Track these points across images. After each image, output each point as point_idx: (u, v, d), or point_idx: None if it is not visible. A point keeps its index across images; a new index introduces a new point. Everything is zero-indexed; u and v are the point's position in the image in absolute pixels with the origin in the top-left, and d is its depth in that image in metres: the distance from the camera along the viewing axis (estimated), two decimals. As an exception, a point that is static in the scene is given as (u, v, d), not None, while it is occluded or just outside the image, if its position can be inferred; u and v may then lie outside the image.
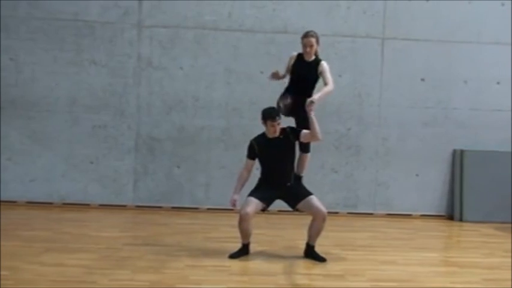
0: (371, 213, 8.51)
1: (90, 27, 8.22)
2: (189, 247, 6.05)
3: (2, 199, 8.04)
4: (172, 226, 7.22)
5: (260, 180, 5.79)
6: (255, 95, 8.13)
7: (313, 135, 5.57)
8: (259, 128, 5.79)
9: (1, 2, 8.08)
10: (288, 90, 5.89)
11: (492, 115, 8.61)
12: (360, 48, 8.46)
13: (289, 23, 8.34)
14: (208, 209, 8.32)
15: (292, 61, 5.91)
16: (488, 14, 8.52)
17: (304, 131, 5.61)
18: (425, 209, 8.57)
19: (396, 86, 8.53)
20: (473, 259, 6.08)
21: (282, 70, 6.04)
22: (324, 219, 5.63)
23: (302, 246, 5.85)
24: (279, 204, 5.81)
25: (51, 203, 8.20)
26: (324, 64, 5.84)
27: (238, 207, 5.72)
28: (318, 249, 5.74)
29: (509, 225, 8.05)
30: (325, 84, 5.78)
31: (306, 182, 5.96)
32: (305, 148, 5.94)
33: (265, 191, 5.66)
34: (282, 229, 7.22)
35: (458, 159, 8.51)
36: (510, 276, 5.34)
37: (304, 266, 5.50)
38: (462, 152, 8.48)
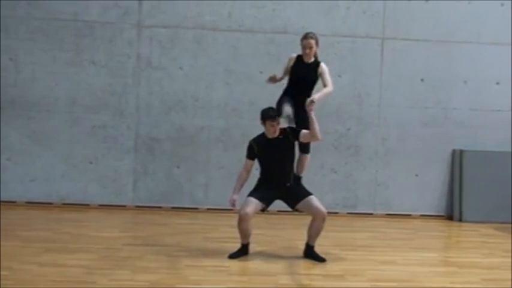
0: (370, 214, 8.51)
1: (90, 27, 8.22)
2: (189, 247, 6.05)
3: (1, 199, 8.04)
4: (171, 226, 7.22)
5: (259, 180, 5.78)
6: (254, 95, 8.13)
7: (313, 135, 5.57)
8: (258, 129, 5.79)
9: (1, 2, 8.08)
10: (286, 92, 5.89)
11: (492, 115, 8.61)
12: (359, 48, 8.46)
13: (289, 23, 8.34)
14: (208, 209, 8.32)
15: (292, 62, 5.90)
16: (488, 14, 8.52)
17: (304, 131, 5.60)
18: (424, 209, 8.58)
19: (396, 86, 8.53)
20: (473, 259, 6.09)
21: (280, 71, 6.02)
22: (323, 219, 5.63)
23: (301, 246, 5.85)
24: (278, 204, 5.81)
25: (50, 203, 8.20)
26: (324, 66, 5.84)
27: (237, 207, 5.72)
28: (317, 249, 5.74)
29: (509, 225, 8.05)
30: (325, 86, 5.79)
31: (306, 182, 5.96)
32: (305, 149, 5.94)
33: (264, 191, 5.66)
34: (281, 229, 7.22)
35: (457, 159, 8.52)
36: (509, 276, 5.34)
37: (303, 266, 5.50)
38: (462, 152, 8.48)
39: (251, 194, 5.66)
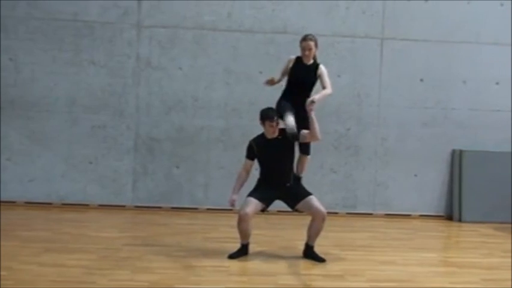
0: (370, 214, 8.52)
1: (90, 28, 8.23)
2: (189, 247, 6.05)
3: (1, 199, 8.05)
4: (171, 226, 7.22)
5: (259, 180, 5.79)
6: (254, 96, 8.13)
7: (313, 135, 5.58)
8: (258, 129, 5.79)
9: (0, 2, 8.08)
10: (285, 94, 5.89)
11: (491, 115, 8.62)
12: (359, 48, 8.47)
13: (289, 23, 8.35)
14: (208, 209, 8.32)
15: (291, 64, 5.90)
16: (487, 14, 8.53)
17: (304, 131, 5.60)
18: (424, 209, 8.58)
19: (395, 86, 8.53)
20: (472, 259, 6.09)
21: (278, 73, 5.99)
22: (323, 220, 5.63)
23: (301, 246, 5.85)
24: (278, 204, 5.82)
25: (50, 203, 8.20)
26: (323, 68, 5.85)
27: (236, 208, 5.72)
28: (317, 249, 5.75)
29: (509, 225, 8.06)
30: (324, 87, 5.80)
31: (305, 182, 5.96)
32: (305, 149, 5.93)
33: (264, 192, 5.66)
34: (281, 229, 7.22)
35: (457, 159, 8.52)
36: (509, 276, 5.35)
37: (303, 266, 5.50)
38: (461, 152, 8.48)
39: (251, 194, 5.66)
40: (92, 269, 5.06)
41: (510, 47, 8.55)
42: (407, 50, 8.51)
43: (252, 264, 5.51)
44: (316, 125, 5.51)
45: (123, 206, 8.28)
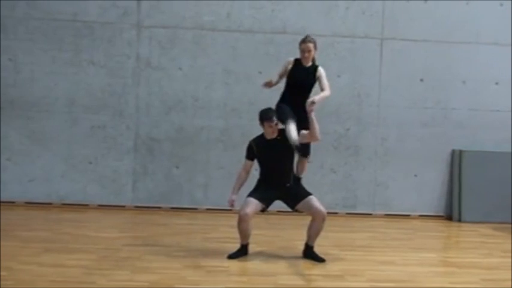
0: (370, 214, 8.52)
1: (89, 28, 8.23)
2: (188, 247, 6.05)
3: (1, 199, 8.04)
4: (171, 226, 7.22)
5: (259, 181, 5.79)
6: (253, 96, 8.13)
7: (312, 136, 5.58)
8: (258, 129, 5.79)
9: (0, 2, 8.08)
10: (284, 96, 5.89)
11: (491, 115, 8.62)
12: (358, 48, 8.47)
13: (288, 23, 8.35)
14: (207, 209, 8.32)
15: (290, 66, 5.89)
16: (487, 14, 8.53)
17: (303, 131, 5.60)
18: (424, 209, 8.58)
19: (395, 86, 8.54)
20: (472, 259, 6.09)
21: (276, 75, 5.97)
22: (323, 220, 5.63)
23: (301, 246, 5.85)
24: (278, 204, 5.82)
25: (50, 204, 8.20)
26: (321, 70, 5.86)
27: (236, 208, 5.72)
28: (317, 249, 5.75)
29: (508, 225, 8.06)
30: (322, 89, 5.81)
31: (305, 183, 5.96)
32: (305, 150, 5.91)
33: (264, 192, 5.66)
34: (281, 229, 7.22)
35: (457, 159, 8.52)
36: (509, 276, 5.35)
37: (303, 267, 5.50)
38: (461, 152, 8.49)
39: (251, 195, 5.66)
40: (92, 269, 5.06)
41: (510, 47, 8.55)
42: (406, 50, 8.52)
43: (251, 265, 5.51)
44: (316, 125, 5.51)
45: (123, 206, 8.28)
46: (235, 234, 5.72)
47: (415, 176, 8.58)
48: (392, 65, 8.51)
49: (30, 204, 8.14)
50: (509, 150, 8.48)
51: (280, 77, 5.93)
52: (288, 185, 5.72)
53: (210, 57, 8.35)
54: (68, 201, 8.24)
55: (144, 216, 7.84)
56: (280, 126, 5.65)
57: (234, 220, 5.73)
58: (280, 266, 5.46)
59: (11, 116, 8.18)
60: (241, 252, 5.70)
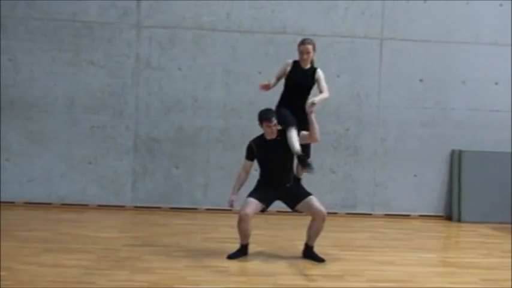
0: (369, 214, 8.52)
1: (89, 28, 8.23)
2: (188, 247, 6.05)
3: (0, 200, 8.04)
4: (171, 227, 7.22)
5: (259, 181, 5.79)
6: (253, 96, 8.13)
7: (312, 137, 5.58)
8: (257, 129, 5.79)
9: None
10: (283, 98, 5.89)
11: (490, 115, 8.62)
12: (358, 48, 8.47)
13: (288, 23, 8.35)
14: (207, 209, 8.33)
15: (289, 68, 5.89)
16: (486, 14, 8.54)
17: (303, 132, 5.61)
18: (423, 210, 8.59)
19: (394, 87, 8.54)
20: (472, 259, 6.09)
21: (273, 77, 5.96)
22: (323, 220, 5.63)
23: (301, 246, 5.85)
24: (278, 204, 5.81)
25: (49, 204, 8.20)
26: (320, 72, 5.86)
27: (235, 208, 5.72)
28: (316, 249, 5.75)
29: (508, 225, 8.07)
30: (321, 91, 5.81)
31: (305, 183, 5.95)
32: (304, 151, 5.91)
33: (264, 192, 5.66)
34: (280, 229, 7.22)
35: (456, 159, 8.52)
36: (509, 277, 5.35)
37: (303, 267, 5.50)
38: (460, 152, 8.49)
39: (251, 195, 5.66)
40: (91, 269, 5.06)
41: (509, 47, 8.56)
42: (406, 50, 8.52)
43: (251, 265, 5.51)
44: (316, 126, 5.51)
45: (123, 207, 8.28)
46: (235, 234, 5.72)
47: (415, 176, 8.58)
48: (392, 65, 8.52)
49: (29, 205, 8.14)
50: (509, 150, 8.48)
51: (278, 79, 5.92)
52: (288, 185, 5.72)
53: (210, 58, 8.35)
54: (68, 202, 8.24)
55: (144, 217, 7.84)
56: (280, 127, 5.65)
57: (233, 220, 5.73)
58: (280, 266, 5.46)
59: (10, 116, 8.17)
60: (241, 252, 5.70)
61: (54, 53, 8.20)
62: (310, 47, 5.82)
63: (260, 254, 5.85)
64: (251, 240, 5.77)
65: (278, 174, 5.69)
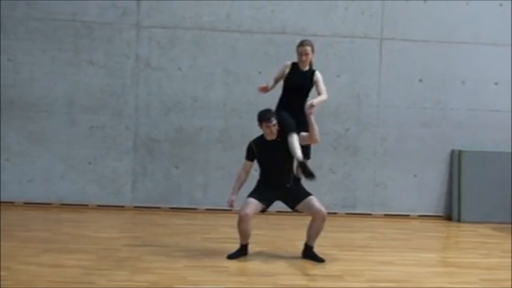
0: (369, 214, 8.52)
1: (89, 28, 8.23)
2: (188, 248, 6.05)
3: (0, 200, 8.04)
4: (170, 227, 7.22)
5: (259, 181, 5.79)
6: (253, 96, 8.10)
7: (312, 138, 5.59)
8: (257, 129, 5.78)
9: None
10: (282, 100, 5.89)
11: (490, 115, 8.63)
12: (358, 48, 8.47)
13: (288, 23, 8.35)
14: (207, 209, 8.32)
15: (288, 70, 5.90)
16: (486, 14, 8.54)
17: (303, 133, 5.61)
18: (423, 210, 8.59)
19: (394, 87, 8.54)
20: (471, 259, 6.09)
21: (271, 79, 5.95)
22: (323, 220, 5.63)
23: (300, 246, 5.85)
24: (278, 205, 5.82)
25: (49, 204, 8.20)
26: (318, 74, 5.87)
27: (235, 208, 5.72)
28: (316, 249, 5.75)
29: (508, 225, 8.07)
30: (319, 93, 5.81)
31: (305, 183, 5.94)
32: (304, 152, 5.90)
33: (264, 192, 5.66)
34: (280, 230, 7.22)
35: (456, 159, 8.53)
36: (508, 277, 5.35)
37: (302, 267, 5.50)
38: (460, 152, 8.49)
39: (251, 195, 5.66)
40: (91, 269, 5.06)
41: (509, 48, 8.56)
42: (406, 50, 8.52)
43: (251, 265, 5.51)
44: (315, 128, 5.52)
45: (122, 207, 8.27)
46: (235, 234, 5.73)
47: (415, 176, 8.58)
48: (391, 65, 8.52)
49: (29, 205, 8.14)
50: (509, 150, 8.49)
51: (276, 81, 5.93)
52: (288, 185, 5.73)
53: (210, 58, 8.35)
54: (67, 202, 8.24)
55: (144, 217, 7.84)
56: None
57: (233, 220, 5.73)
58: (280, 266, 5.46)
59: (10, 116, 8.17)
60: (241, 252, 5.70)
61: (54, 53, 8.20)
62: (308, 48, 5.83)
63: (260, 254, 5.86)
64: (251, 240, 5.78)
65: (278, 175, 5.69)
